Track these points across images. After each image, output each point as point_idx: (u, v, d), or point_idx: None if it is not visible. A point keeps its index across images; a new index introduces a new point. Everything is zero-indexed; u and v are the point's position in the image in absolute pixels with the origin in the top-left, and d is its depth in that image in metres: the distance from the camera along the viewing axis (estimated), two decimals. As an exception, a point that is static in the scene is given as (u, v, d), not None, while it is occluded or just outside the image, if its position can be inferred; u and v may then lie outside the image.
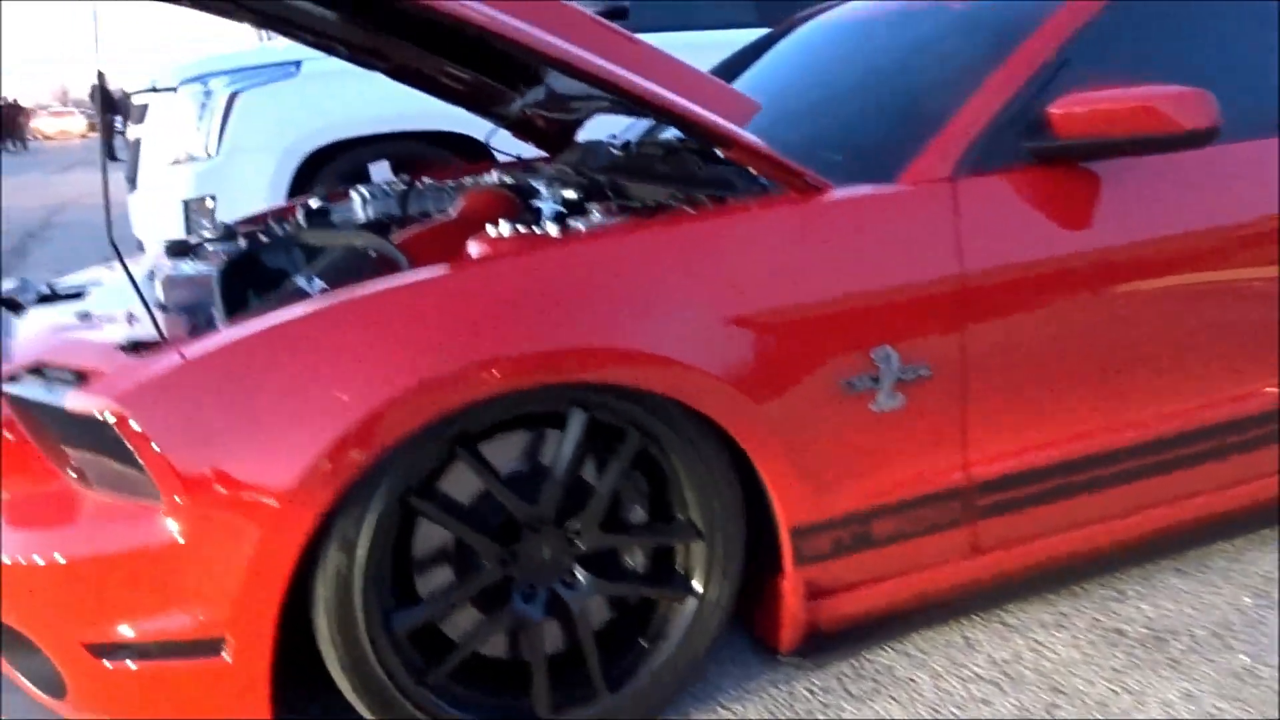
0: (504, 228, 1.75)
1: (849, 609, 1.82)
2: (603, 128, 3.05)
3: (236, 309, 1.74)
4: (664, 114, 1.85)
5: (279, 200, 3.93)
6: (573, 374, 1.52)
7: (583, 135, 3.02)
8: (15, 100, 36.42)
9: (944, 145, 1.81)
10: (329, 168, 4.00)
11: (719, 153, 1.87)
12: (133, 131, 4.47)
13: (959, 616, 2.00)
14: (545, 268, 1.57)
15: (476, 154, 4.09)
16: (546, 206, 2.04)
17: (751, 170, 1.82)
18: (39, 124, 41.49)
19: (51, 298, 2.08)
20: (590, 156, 2.43)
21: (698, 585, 1.71)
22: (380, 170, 4.07)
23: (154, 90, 4.14)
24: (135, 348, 1.58)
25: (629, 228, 1.67)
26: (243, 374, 1.44)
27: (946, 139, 1.82)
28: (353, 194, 2.29)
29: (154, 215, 4.10)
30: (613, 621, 1.73)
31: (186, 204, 3.90)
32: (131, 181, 4.35)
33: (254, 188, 3.90)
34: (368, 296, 1.51)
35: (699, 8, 4.53)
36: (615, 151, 2.46)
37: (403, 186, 2.28)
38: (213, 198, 3.89)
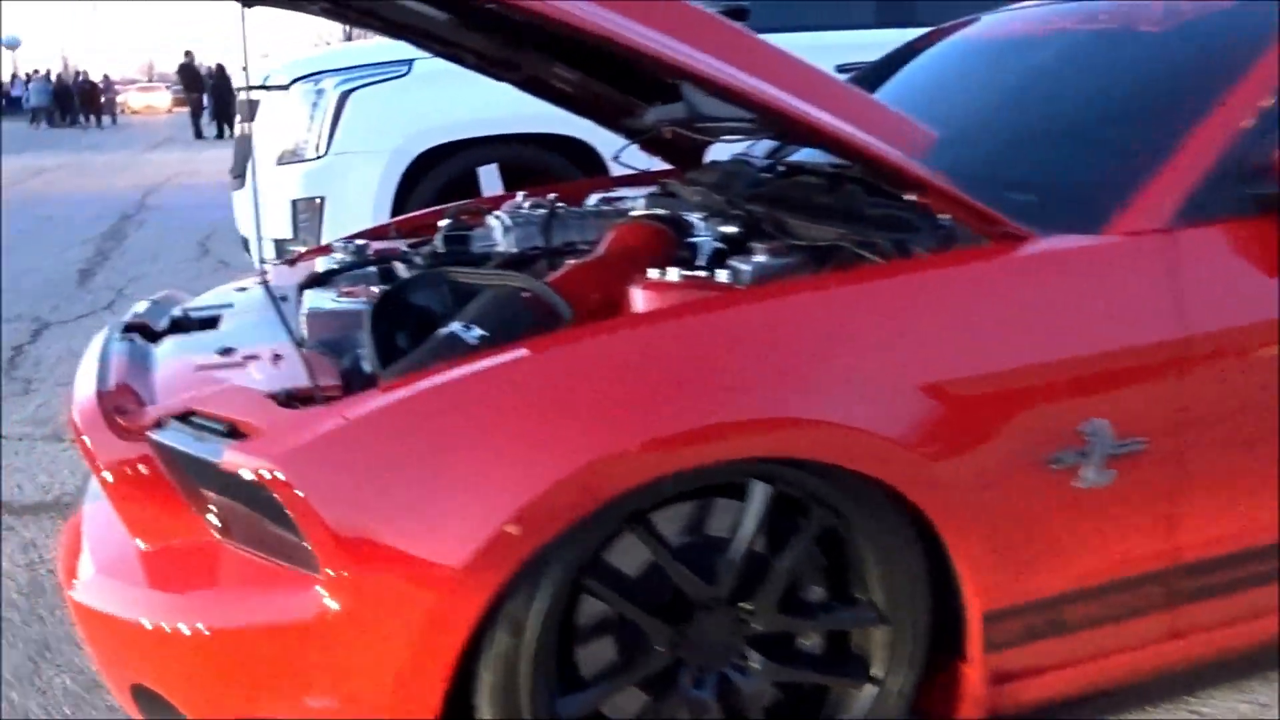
0: (671, 273, 1.62)
1: (1032, 695, 1.67)
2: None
3: (387, 353, 1.63)
4: (837, 148, 1.70)
5: (386, 201, 3.86)
6: (758, 450, 1.39)
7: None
8: (106, 75, 37.37)
9: (1161, 191, 1.63)
10: (437, 170, 3.91)
11: (903, 194, 1.72)
12: (240, 127, 4.43)
13: (1147, 703, 1.83)
14: (723, 327, 1.44)
15: (588, 161, 3.97)
16: (704, 243, 1.90)
17: (935, 212, 1.67)
18: (127, 99, 42.53)
19: (184, 324, 2.00)
20: (734, 180, 2.29)
21: (878, 671, 1.57)
22: (489, 174, 3.97)
23: (265, 87, 4.09)
24: (291, 400, 1.48)
25: (812, 283, 1.53)
26: (410, 440, 1.33)
27: (1164, 184, 1.64)
28: (491, 220, 2.17)
29: (261, 213, 4.05)
30: (779, 703, 1.60)
31: (294, 204, 3.85)
32: (238, 177, 4.31)
33: (362, 189, 3.83)
34: (538, 360, 1.39)
35: (811, 7, 4.32)
36: (762, 175, 2.31)
37: (542, 211, 2.16)
38: (321, 199, 3.82)
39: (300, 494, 1.33)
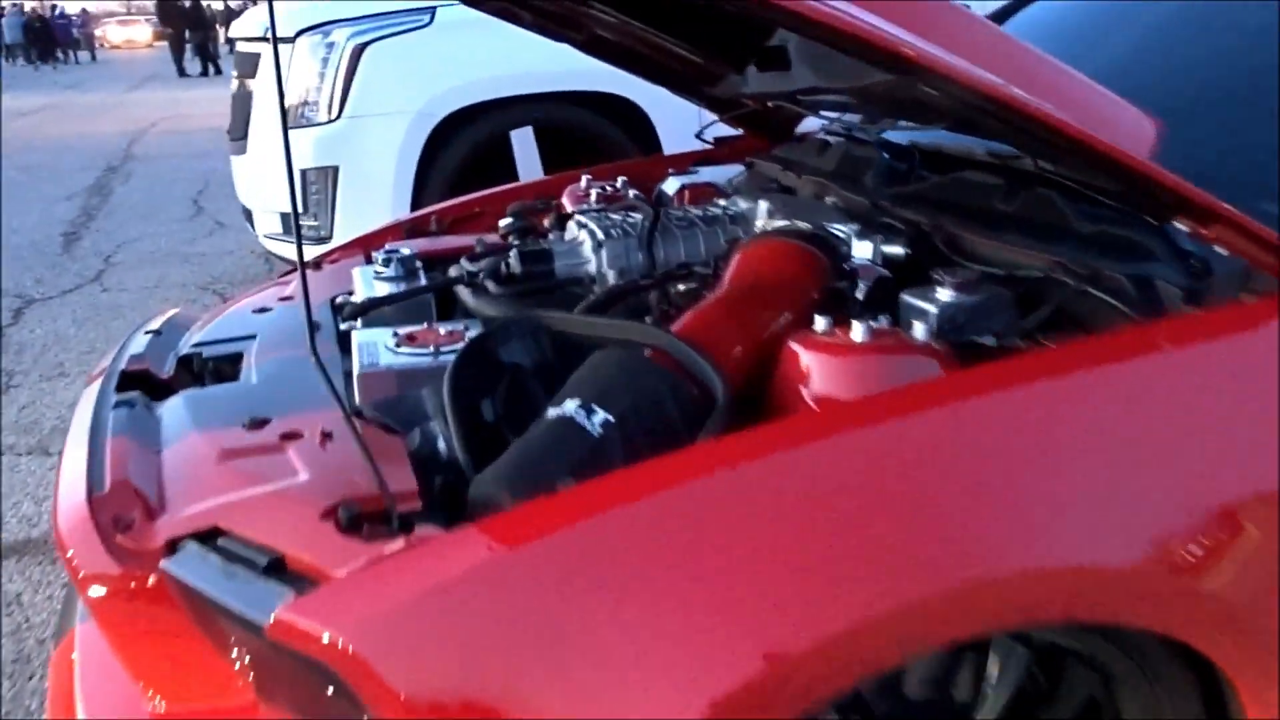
0: (857, 331, 1.21)
1: None
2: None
3: (471, 433, 1.23)
4: (1066, 147, 1.28)
5: (409, 171, 3.40)
6: (1016, 617, 1.00)
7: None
8: (84, 9, 36.16)
9: None
10: (465, 133, 3.45)
11: (1164, 218, 1.29)
12: (236, 83, 3.94)
13: None
14: (965, 434, 1.03)
15: (636, 123, 3.51)
16: (864, 269, 1.48)
17: (1178, 231, 1.26)
18: (106, 32, 41.24)
19: (196, 369, 1.59)
20: (860, 170, 1.85)
21: None
22: (523, 138, 3.51)
23: (266, 39, 3.60)
24: (355, 522, 1.08)
25: (1070, 357, 1.12)
26: (534, 601, 0.93)
27: None
28: (574, 229, 1.74)
29: (266, 183, 3.60)
30: None
31: (304, 174, 3.39)
32: (237, 140, 3.84)
33: (381, 157, 3.37)
34: (717, 485, 0.98)
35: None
36: (896, 165, 1.88)
37: (636, 218, 1.73)
38: (334, 169, 3.37)
39: (377, 672, 0.94)
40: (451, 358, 1.31)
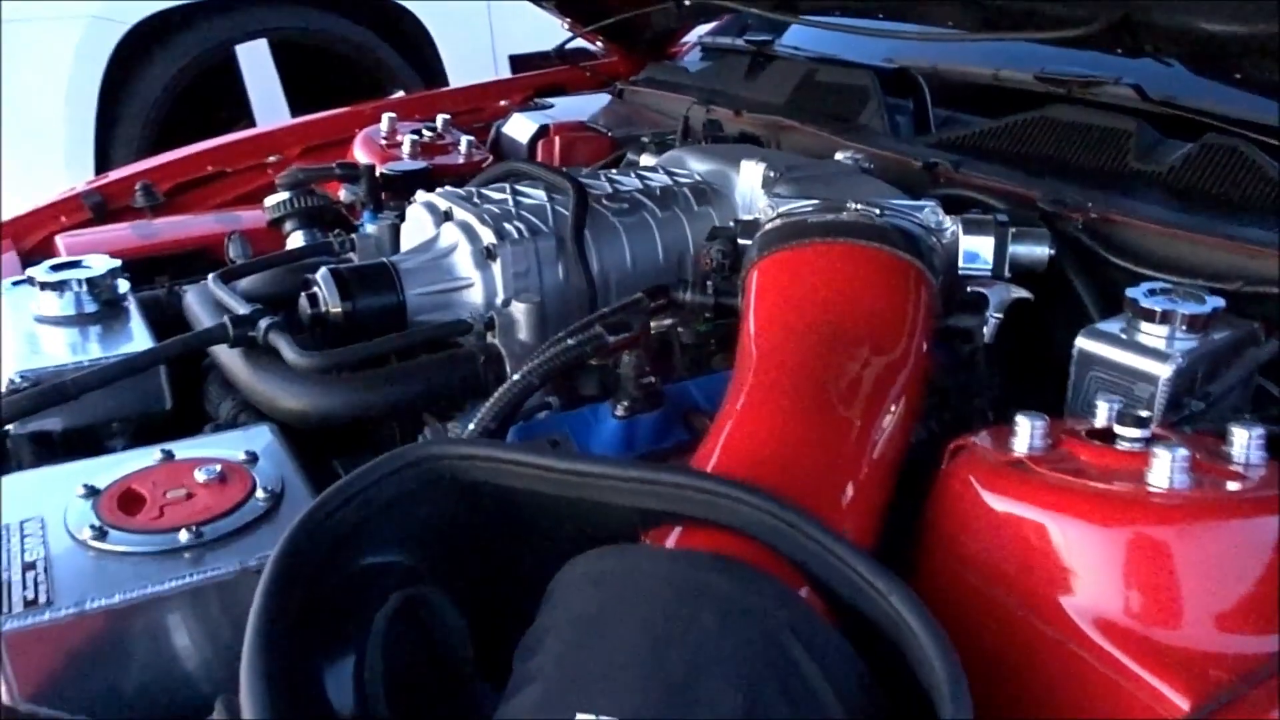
0: (1164, 468, 0.56)
1: None
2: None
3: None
4: None
5: (86, 112, 2.38)
6: None
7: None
8: None
9: None
10: (170, 48, 2.46)
11: None
12: None
13: None
14: None
15: (405, 36, 2.66)
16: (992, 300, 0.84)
17: None
18: None
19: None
20: (845, 103, 1.22)
21: None
22: (255, 55, 2.56)
23: None
24: None
25: None
26: None
27: None
28: (426, 216, 0.95)
29: None
30: None
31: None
32: None
33: (39, 83, 2.34)
34: None
35: None
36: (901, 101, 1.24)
37: (536, 192, 0.97)
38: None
39: None
40: (255, 563, 0.56)
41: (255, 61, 2.56)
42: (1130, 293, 0.78)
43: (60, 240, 1.23)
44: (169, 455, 0.70)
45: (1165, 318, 0.75)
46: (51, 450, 0.86)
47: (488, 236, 0.89)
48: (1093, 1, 0.90)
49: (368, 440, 0.88)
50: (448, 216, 0.93)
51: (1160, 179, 0.96)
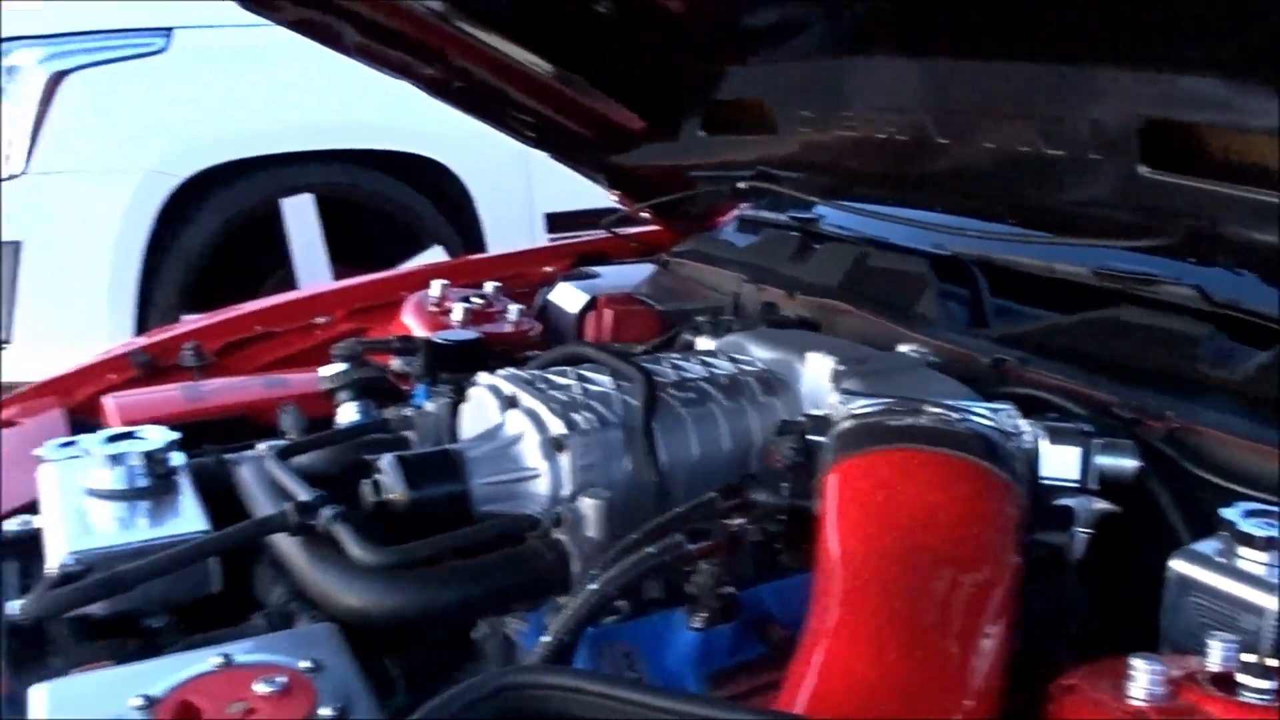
0: None
1: None
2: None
3: None
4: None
5: (134, 254, 2.43)
6: None
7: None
8: None
9: None
10: (216, 201, 2.53)
11: None
12: None
13: None
14: None
15: (445, 192, 2.73)
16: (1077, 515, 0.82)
17: None
18: None
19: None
20: (901, 291, 1.22)
21: None
22: (300, 210, 2.63)
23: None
24: None
25: None
26: None
27: None
28: (490, 400, 0.94)
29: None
30: None
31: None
32: None
33: (89, 230, 2.40)
34: None
35: None
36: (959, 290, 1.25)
37: (602, 378, 0.96)
38: (16, 245, 2.35)
39: None
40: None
41: (299, 214, 2.63)
42: (1225, 513, 0.75)
43: (108, 402, 1.22)
44: (228, 661, 0.66)
45: (1270, 543, 0.72)
46: (88, 632, 0.83)
47: (557, 427, 0.87)
48: (1164, 214, 0.91)
49: (415, 634, 0.85)
50: (513, 402, 0.92)
51: (1235, 387, 0.95)
